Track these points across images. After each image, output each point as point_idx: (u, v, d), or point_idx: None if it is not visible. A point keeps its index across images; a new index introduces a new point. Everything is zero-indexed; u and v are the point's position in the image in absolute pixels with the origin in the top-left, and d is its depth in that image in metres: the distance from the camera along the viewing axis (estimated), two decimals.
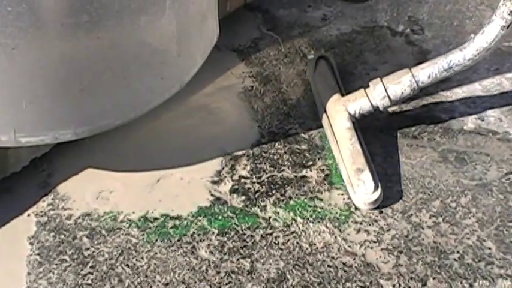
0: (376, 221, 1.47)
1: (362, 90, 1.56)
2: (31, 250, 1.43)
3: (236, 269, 1.38)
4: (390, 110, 1.74)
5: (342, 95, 1.64)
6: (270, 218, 1.49)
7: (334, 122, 1.57)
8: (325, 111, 1.62)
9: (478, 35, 1.45)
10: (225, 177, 1.59)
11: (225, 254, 1.41)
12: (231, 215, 1.50)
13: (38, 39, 1.21)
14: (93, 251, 1.43)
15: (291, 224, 1.47)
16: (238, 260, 1.40)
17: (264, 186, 1.56)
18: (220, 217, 1.49)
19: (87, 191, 1.56)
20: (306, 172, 1.59)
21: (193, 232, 1.46)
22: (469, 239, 1.43)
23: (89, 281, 1.37)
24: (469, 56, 1.47)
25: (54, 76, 1.28)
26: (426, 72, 1.51)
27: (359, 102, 1.56)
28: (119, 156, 1.63)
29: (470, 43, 1.47)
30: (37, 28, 1.19)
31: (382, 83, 1.53)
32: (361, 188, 1.46)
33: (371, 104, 1.54)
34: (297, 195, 1.53)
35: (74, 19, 1.21)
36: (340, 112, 1.56)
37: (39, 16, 1.18)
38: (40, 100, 1.30)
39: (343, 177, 1.52)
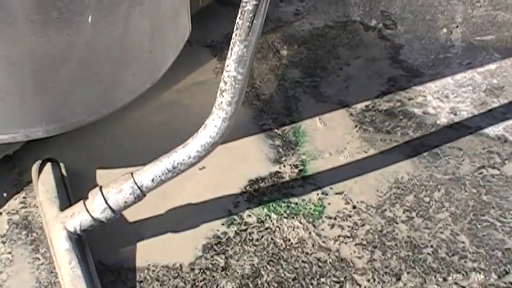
0: (350, 216, 1.47)
1: (81, 203, 1.35)
2: (3, 249, 1.42)
3: (210, 266, 1.38)
4: (363, 105, 1.74)
5: (71, 204, 1.42)
6: (244, 214, 1.48)
7: (53, 243, 1.35)
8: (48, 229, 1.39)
9: (201, 129, 1.29)
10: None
11: (199, 251, 1.41)
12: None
13: (8, 35, 1.20)
14: None
15: (265, 220, 1.47)
16: (212, 256, 1.40)
17: (238, 182, 1.55)
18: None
19: None
20: (280, 168, 1.59)
21: (167, 229, 1.45)
22: (442, 233, 1.43)
23: None
24: (194, 153, 1.30)
25: (24, 73, 1.27)
26: (149, 176, 1.32)
27: (78, 217, 1.34)
28: (91, 154, 1.62)
29: (194, 139, 1.30)
30: (7, 24, 1.18)
31: (102, 193, 1.33)
32: None
33: (92, 217, 1.33)
34: (270, 191, 1.53)
35: (43, 15, 1.20)
36: (58, 231, 1.34)
37: (9, 12, 1.17)
38: (10, 97, 1.29)
39: None
